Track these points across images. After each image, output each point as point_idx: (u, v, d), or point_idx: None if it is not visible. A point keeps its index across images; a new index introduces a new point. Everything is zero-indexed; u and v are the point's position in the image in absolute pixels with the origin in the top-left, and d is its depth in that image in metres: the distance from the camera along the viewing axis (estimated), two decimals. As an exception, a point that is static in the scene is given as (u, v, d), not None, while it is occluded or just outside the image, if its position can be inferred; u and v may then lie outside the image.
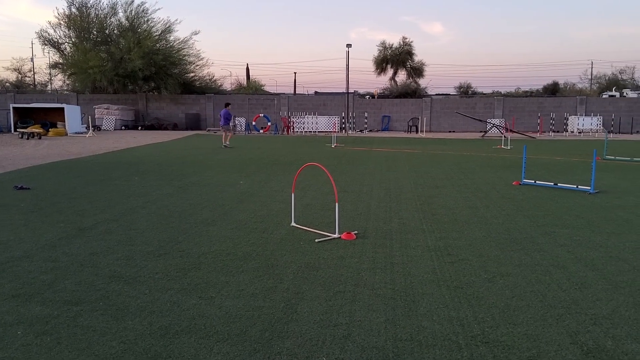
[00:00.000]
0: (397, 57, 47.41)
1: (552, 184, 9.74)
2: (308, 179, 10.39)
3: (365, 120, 34.26)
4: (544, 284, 4.39)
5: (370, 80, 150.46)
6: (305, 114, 33.15)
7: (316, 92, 48.02)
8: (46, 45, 36.03)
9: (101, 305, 3.89)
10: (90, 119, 28.27)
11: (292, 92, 54.26)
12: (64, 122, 27.53)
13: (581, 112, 32.76)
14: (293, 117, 32.84)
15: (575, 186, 9.39)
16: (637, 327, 3.52)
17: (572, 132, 31.35)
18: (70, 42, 35.75)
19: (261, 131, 30.79)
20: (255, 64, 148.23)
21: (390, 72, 48.56)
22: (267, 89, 56.24)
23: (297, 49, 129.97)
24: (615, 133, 31.42)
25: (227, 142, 19.63)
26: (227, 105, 20.82)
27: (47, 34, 35.54)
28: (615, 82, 56.28)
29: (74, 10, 34.91)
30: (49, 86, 50.04)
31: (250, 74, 58.29)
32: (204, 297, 4.08)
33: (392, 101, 35.72)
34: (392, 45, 47.76)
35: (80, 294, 4.11)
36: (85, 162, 13.90)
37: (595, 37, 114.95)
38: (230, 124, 20.77)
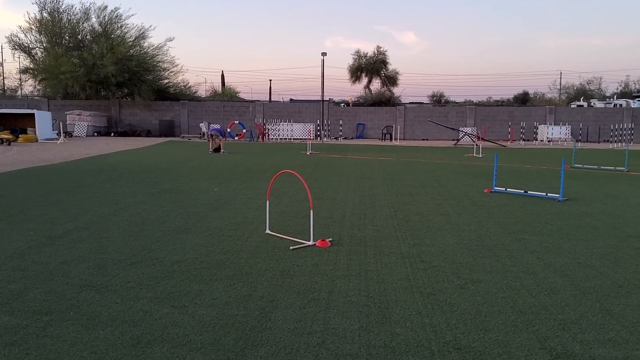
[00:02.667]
0: (372, 66, 47.88)
1: (523, 191, 9.93)
2: (283, 186, 10.38)
3: (340, 128, 34.42)
4: (514, 290, 4.47)
5: (345, 88, 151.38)
6: (281, 121, 33.14)
7: (291, 100, 48.07)
8: (16, 50, 35.30)
9: (71, 315, 3.82)
10: (61, 125, 27.77)
11: (268, 99, 54.27)
12: (35, 128, 27.00)
13: (550, 121, 33.48)
14: (268, 124, 32.81)
15: (544, 194, 9.58)
16: (604, 332, 3.61)
17: (541, 140, 32.01)
18: (42, 47, 35.10)
19: (236, 138, 30.65)
20: (231, 71, 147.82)
21: (364, 80, 49.03)
22: (242, 96, 56.26)
23: (273, 56, 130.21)
24: (583, 142, 32.17)
25: (223, 149, 20.19)
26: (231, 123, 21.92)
27: (17, 39, 34.87)
28: (583, 92, 57.75)
29: (45, 15, 34.33)
30: (19, 91, 49.00)
31: (225, 81, 58.20)
32: (177, 305, 4.04)
33: (366, 109, 35.97)
34: (367, 54, 48.28)
35: (50, 304, 4.04)
36: (56, 169, 13.65)
37: (564, 48, 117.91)
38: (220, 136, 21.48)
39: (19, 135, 25.86)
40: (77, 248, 5.68)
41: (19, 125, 27.37)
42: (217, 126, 21.62)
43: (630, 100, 43.31)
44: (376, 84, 48.60)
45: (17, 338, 3.43)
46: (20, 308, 3.95)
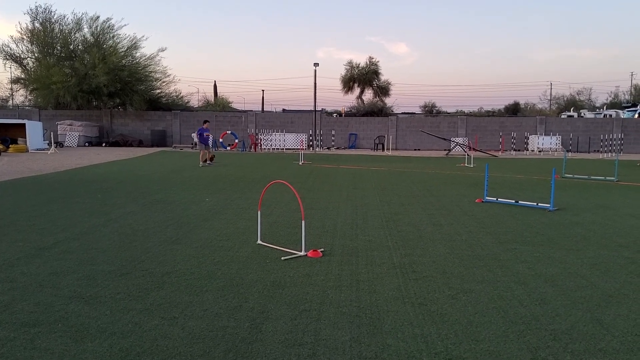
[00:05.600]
0: (364, 77, 48.15)
1: (514, 201, 9.97)
2: (275, 197, 10.37)
3: (333, 138, 34.49)
4: (505, 300, 4.47)
5: (337, 99, 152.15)
6: (273, 131, 33.19)
7: (284, 110, 48.21)
8: (8, 60, 35.26)
9: (60, 327, 3.78)
10: (52, 135, 27.64)
11: (260, 109, 54.32)
12: (25, 138, 26.87)
13: (541, 131, 33.72)
14: (261, 134, 32.84)
15: (535, 204, 9.62)
16: (595, 342, 3.62)
17: (532, 150, 32.21)
18: (33, 57, 35.04)
19: (228, 148, 30.63)
20: (223, 81, 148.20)
21: (357, 90, 49.28)
22: (234, 106, 56.36)
23: (265, 66, 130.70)
24: (574, 152, 32.41)
25: (202, 162, 18.84)
26: (205, 122, 19.76)
27: (8, 49, 34.80)
28: (573, 103, 58.35)
29: (37, 25, 34.33)
30: (10, 101, 48.81)
31: (217, 91, 58.27)
32: (167, 317, 4.01)
33: (359, 119, 36.09)
34: (359, 64, 48.57)
35: (39, 315, 3.99)
36: (47, 180, 13.56)
37: (554, 59, 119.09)
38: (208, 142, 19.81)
39: (10, 146, 25.72)
40: (66, 259, 5.63)
41: (10, 135, 27.22)
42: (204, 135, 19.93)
43: (620, 111, 43.76)
44: (368, 95, 48.91)
45: (4, 350, 3.39)
46: (8, 320, 3.90)
